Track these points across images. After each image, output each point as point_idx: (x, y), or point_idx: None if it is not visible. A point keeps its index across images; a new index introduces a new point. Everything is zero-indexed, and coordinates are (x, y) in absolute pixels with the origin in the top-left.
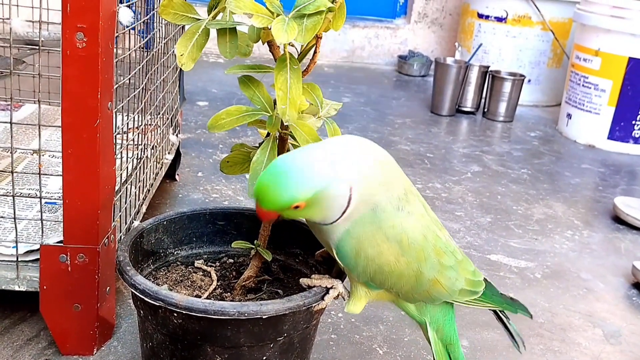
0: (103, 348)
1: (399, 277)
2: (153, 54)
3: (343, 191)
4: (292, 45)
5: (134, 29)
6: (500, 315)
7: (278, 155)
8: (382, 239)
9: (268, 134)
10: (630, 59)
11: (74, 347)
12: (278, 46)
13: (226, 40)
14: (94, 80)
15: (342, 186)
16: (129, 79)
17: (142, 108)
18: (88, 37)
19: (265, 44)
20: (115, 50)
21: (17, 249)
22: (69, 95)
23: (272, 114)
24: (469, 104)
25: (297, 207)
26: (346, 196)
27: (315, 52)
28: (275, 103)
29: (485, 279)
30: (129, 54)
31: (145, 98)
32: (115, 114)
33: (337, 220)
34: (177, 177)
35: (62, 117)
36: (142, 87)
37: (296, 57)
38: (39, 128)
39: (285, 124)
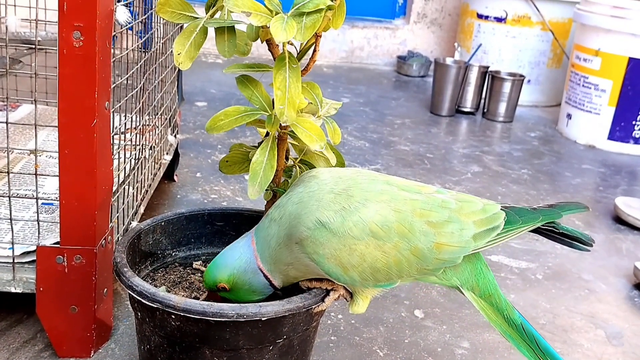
0: (100, 350)
1: (398, 264)
2: (151, 54)
3: (251, 271)
4: (292, 44)
5: (131, 28)
6: (548, 228)
7: (278, 155)
8: (353, 242)
9: (267, 134)
10: (631, 59)
11: (70, 350)
12: (277, 45)
13: (224, 39)
14: (91, 80)
15: (250, 268)
16: (127, 78)
17: (139, 108)
18: (85, 36)
19: (264, 43)
20: (112, 50)
21: (13, 250)
22: (66, 95)
23: (270, 114)
24: (468, 104)
25: (223, 287)
26: (257, 273)
27: (314, 50)
28: (274, 102)
29: (505, 206)
30: (127, 54)
31: (143, 98)
32: (113, 114)
33: (274, 288)
34: (175, 177)
35: (59, 117)
36: (140, 87)
37: (295, 56)
38: (35, 128)
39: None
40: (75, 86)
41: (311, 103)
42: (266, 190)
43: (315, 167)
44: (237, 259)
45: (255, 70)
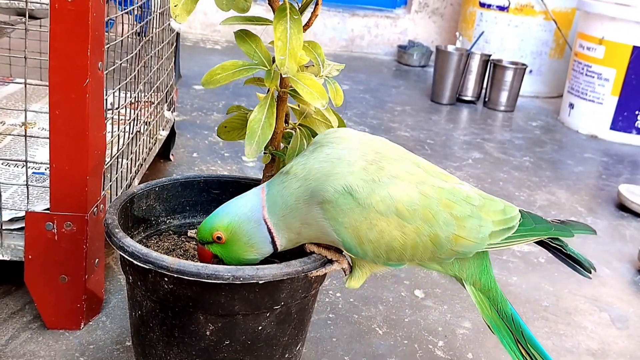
0: (90, 323)
1: (414, 247)
2: (146, 22)
3: (255, 221)
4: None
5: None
6: (554, 245)
7: (277, 115)
8: (376, 217)
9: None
10: (635, 48)
11: (59, 321)
12: None
13: None
14: (84, 37)
15: (254, 217)
16: (120, 48)
17: (134, 77)
18: None
19: None
20: (106, 8)
21: (1, 216)
22: (58, 53)
23: (270, 69)
24: (469, 92)
25: (219, 237)
26: (261, 225)
27: (317, 4)
28: (274, 59)
29: (522, 211)
30: (121, 28)
31: (137, 68)
32: (107, 86)
33: (274, 248)
34: (171, 157)
35: (50, 76)
36: (135, 53)
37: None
38: (25, 87)
39: (284, 76)
40: (67, 43)
41: (313, 65)
42: (264, 153)
43: (316, 133)
44: (242, 206)
45: (255, 23)
